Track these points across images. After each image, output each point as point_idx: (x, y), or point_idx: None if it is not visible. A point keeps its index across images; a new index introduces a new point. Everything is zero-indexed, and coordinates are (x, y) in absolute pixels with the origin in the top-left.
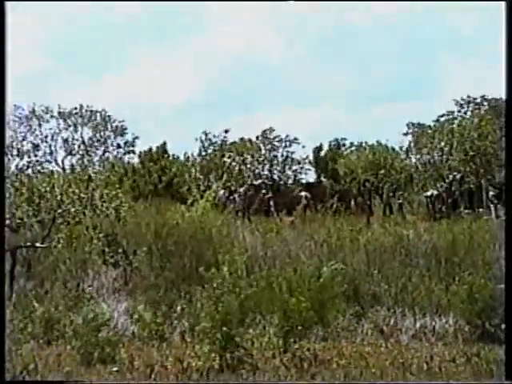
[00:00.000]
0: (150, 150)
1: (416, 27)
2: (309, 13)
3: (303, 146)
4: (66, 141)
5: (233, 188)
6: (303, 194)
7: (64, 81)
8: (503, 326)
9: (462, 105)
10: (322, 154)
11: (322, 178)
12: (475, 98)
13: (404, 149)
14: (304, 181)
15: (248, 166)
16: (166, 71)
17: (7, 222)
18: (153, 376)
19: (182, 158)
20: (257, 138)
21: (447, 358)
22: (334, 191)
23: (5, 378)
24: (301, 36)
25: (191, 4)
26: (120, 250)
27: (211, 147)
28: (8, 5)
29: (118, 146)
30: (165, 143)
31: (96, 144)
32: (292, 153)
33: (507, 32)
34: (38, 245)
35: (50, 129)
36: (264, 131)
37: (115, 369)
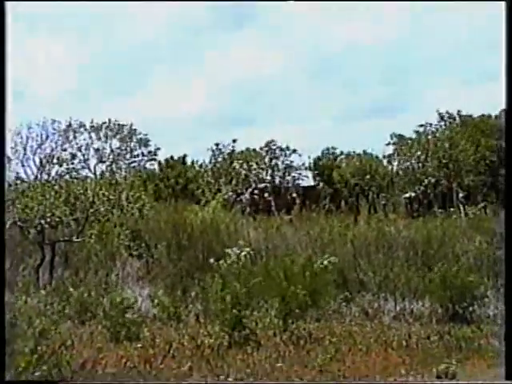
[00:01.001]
0: (172, 158)
1: (399, 54)
2: (306, 40)
3: (300, 155)
4: (97, 150)
5: (239, 191)
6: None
7: (95, 98)
8: (471, 309)
9: (438, 120)
10: (320, 162)
11: (318, 182)
12: (448, 114)
13: (387, 157)
14: (301, 185)
15: (253, 172)
16: (184, 90)
17: (48, 219)
18: (171, 351)
19: (196, 165)
20: (261, 148)
21: (423, 336)
22: (327, 193)
23: (5, 377)
24: (299, 60)
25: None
26: (143, 244)
27: (221, 156)
28: (8, 5)
29: (142, 155)
30: (184, 155)
31: (123, 153)
32: (291, 161)
33: (507, 32)
34: (73, 239)
35: (84, 140)
36: (267, 142)
37: None
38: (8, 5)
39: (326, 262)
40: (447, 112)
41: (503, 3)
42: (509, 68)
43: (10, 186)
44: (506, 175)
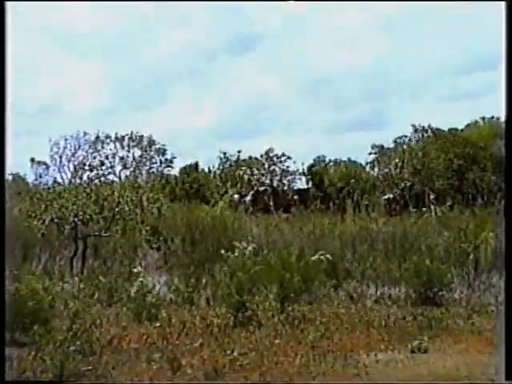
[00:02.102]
0: (190, 165)
1: (380, 76)
2: (301, 63)
3: (294, 162)
4: (121, 158)
5: (243, 193)
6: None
7: (121, 113)
8: (440, 293)
9: (413, 131)
10: (312, 168)
11: (310, 186)
12: (421, 127)
13: (369, 164)
14: (296, 187)
15: (254, 176)
16: (197, 107)
17: (80, 217)
18: (185, 330)
19: (206, 170)
20: (261, 156)
21: (399, 317)
22: (318, 195)
23: (5, 377)
24: (295, 81)
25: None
26: (161, 238)
27: (228, 163)
28: (8, 5)
29: (160, 162)
30: (197, 163)
31: (143, 161)
32: (287, 167)
33: (507, 32)
34: (102, 234)
35: (110, 149)
36: (266, 151)
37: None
38: (8, 5)
39: (318, 255)
40: (420, 126)
41: (503, 3)
42: (509, 68)
43: (48, 188)
44: (506, 175)
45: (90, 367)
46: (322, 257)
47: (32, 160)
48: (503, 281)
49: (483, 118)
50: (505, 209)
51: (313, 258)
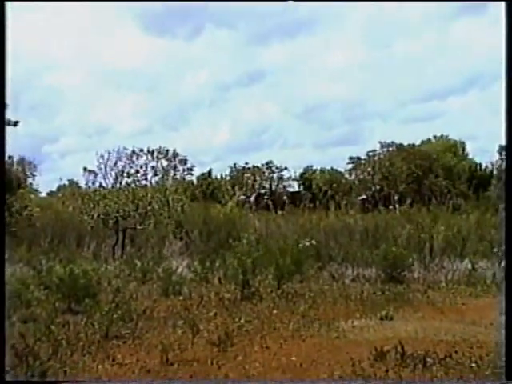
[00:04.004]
0: (206, 173)
1: (356, 104)
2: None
3: (288, 170)
4: (152, 167)
5: (248, 195)
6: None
7: (153, 132)
8: (402, 273)
9: (381, 146)
10: (303, 175)
11: (301, 189)
12: (387, 143)
13: (347, 171)
14: (290, 190)
15: (257, 182)
16: (214, 127)
17: (120, 213)
18: (202, 302)
19: (219, 177)
20: (262, 165)
21: (371, 292)
22: (307, 197)
23: (5, 377)
24: (291, 107)
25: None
26: (183, 230)
27: (236, 171)
28: (8, 5)
29: (183, 171)
30: (210, 170)
31: (169, 169)
32: (282, 174)
33: (507, 32)
34: (137, 227)
35: (144, 161)
36: (267, 162)
37: None
38: (8, 5)
39: (307, 243)
40: (386, 142)
41: (503, 3)
42: (509, 69)
43: (95, 191)
44: (506, 176)
45: (129, 331)
46: (307, 243)
47: (84, 169)
48: (451, 263)
49: (435, 136)
50: (505, 209)
51: (302, 244)
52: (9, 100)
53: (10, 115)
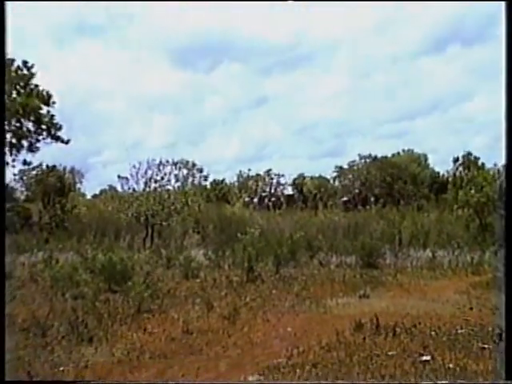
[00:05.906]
0: (219, 180)
1: (341, 123)
2: (293, 113)
3: (284, 177)
4: (175, 175)
5: (252, 197)
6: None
7: (177, 147)
8: (377, 260)
9: (360, 158)
10: (296, 181)
11: (295, 192)
12: (365, 155)
13: (333, 178)
14: (286, 193)
15: (259, 186)
16: (226, 142)
17: (150, 212)
18: (215, 284)
19: (228, 183)
20: (264, 173)
21: (351, 276)
22: (300, 199)
23: (5, 377)
24: (288, 126)
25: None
26: (200, 226)
27: (242, 178)
28: (8, 5)
29: (200, 177)
30: (224, 178)
31: (189, 176)
32: (280, 180)
33: (507, 32)
34: (163, 223)
35: (168, 169)
36: (267, 170)
37: None
38: (8, 5)
39: (298, 235)
40: (363, 155)
41: (503, 3)
42: (509, 69)
43: (130, 194)
44: (506, 177)
45: (156, 306)
46: (298, 235)
47: (119, 176)
48: (416, 252)
49: (403, 150)
50: (505, 208)
51: (296, 235)
52: (64, 122)
53: (64, 134)
